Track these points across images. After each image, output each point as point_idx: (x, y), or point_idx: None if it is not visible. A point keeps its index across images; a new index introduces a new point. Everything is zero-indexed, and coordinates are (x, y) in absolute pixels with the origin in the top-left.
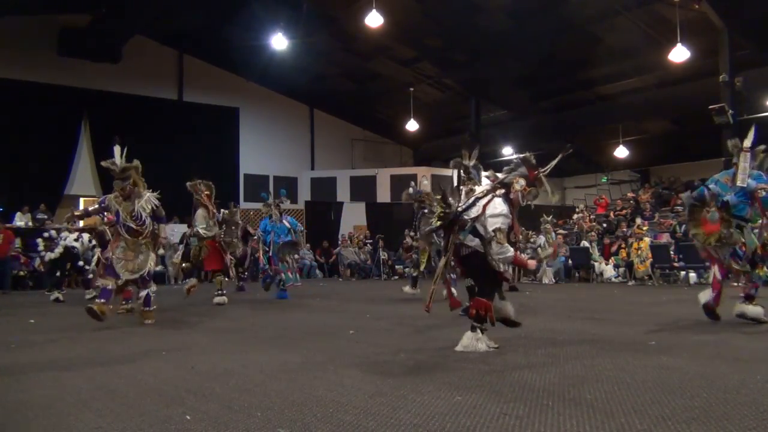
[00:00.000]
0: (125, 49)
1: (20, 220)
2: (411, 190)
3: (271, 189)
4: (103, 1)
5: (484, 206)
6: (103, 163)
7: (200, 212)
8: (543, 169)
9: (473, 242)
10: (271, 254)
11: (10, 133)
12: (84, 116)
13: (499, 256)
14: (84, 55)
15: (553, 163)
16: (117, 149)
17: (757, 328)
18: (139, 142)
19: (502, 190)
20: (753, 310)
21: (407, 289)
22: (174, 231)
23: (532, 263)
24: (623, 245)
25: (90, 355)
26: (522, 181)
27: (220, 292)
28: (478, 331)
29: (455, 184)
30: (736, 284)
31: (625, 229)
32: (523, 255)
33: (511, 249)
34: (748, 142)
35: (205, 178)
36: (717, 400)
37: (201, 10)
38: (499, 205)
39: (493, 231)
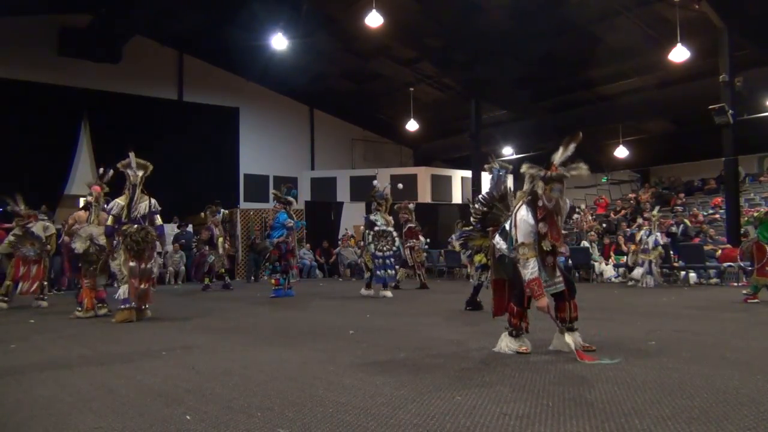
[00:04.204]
0: (125, 49)
1: None
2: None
3: (271, 189)
4: (103, 1)
5: (515, 213)
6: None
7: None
8: (557, 162)
9: (499, 244)
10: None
11: (10, 133)
12: (84, 116)
13: (524, 276)
14: (84, 56)
15: (566, 153)
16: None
17: (757, 328)
18: (139, 142)
19: (529, 197)
20: None
21: (363, 291)
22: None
23: (542, 302)
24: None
25: (90, 355)
26: (541, 184)
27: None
28: (510, 333)
29: (505, 189)
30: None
31: (627, 229)
32: (537, 288)
33: (531, 272)
34: None
35: (205, 178)
36: (717, 400)
37: (201, 10)
38: (523, 214)
39: (516, 248)
